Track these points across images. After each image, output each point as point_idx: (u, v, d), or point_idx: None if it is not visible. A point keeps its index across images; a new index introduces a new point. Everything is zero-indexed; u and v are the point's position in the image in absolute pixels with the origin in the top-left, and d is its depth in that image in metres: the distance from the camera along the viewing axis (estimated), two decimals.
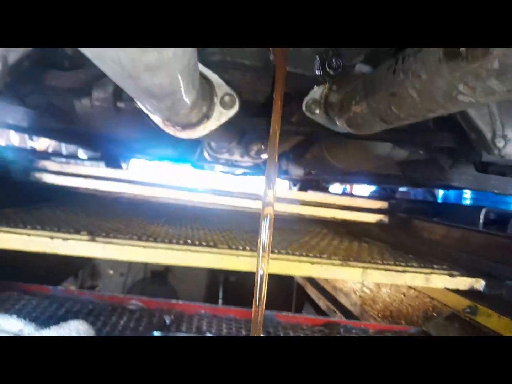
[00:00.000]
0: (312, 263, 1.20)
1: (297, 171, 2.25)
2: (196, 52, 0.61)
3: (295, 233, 1.89)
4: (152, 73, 0.50)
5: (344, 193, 3.17)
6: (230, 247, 1.21)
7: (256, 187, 1.87)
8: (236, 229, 1.67)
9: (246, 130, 1.36)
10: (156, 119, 0.98)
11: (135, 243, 1.11)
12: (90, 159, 3.01)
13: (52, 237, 1.04)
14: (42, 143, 3.23)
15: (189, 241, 1.24)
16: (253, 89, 0.95)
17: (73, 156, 2.82)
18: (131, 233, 1.21)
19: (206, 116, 0.99)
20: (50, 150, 3.92)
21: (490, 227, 1.69)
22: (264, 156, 1.92)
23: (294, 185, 3.49)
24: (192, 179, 1.92)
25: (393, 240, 1.86)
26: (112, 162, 3.15)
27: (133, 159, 3.28)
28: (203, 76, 0.95)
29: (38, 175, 1.72)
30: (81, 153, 3.17)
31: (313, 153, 1.89)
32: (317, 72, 0.87)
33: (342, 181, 3.09)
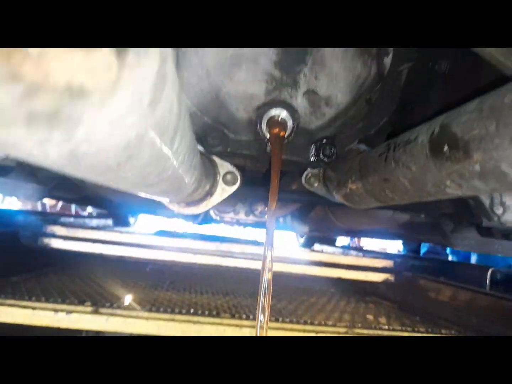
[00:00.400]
0: (317, 332, 1.19)
1: (302, 228, 2.27)
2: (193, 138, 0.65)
3: (303, 292, 1.88)
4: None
5: (350, 247, 3.16)
6: (233, 316, 1.22)
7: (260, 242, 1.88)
8: (240, 291, 1.67)
9: (248, 197, 1.40)
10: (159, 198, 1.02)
11: (138, 315, 1.12)
12: (99, 216, 3.06)
13: (56, 310, 1.05)
14: (52, 200, 3.31)
15: (191, 310, 1.25)
16: (253, 169, 0.99)
17: (81, 216, 2.87)
18: (134, 301, 1.22)
19: (209, 193, 1.03)
20: (59, 206, 4.00)
21: (497, 287, 1.68)
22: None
23: (301, 236, 3.50)
24: (197, 242, 1.95)
25: (400, 299, 1.84)
26: (121, 218, 3.20)
27: (141, 215, 3.33)
28: (205, 156, 1.00)
29: (46, 240, 1.76)
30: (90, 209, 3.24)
31: (317, 213, 1.92)
32: (312, 159, 0.91)
33: (347, 236, 3.09)
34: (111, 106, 0.22)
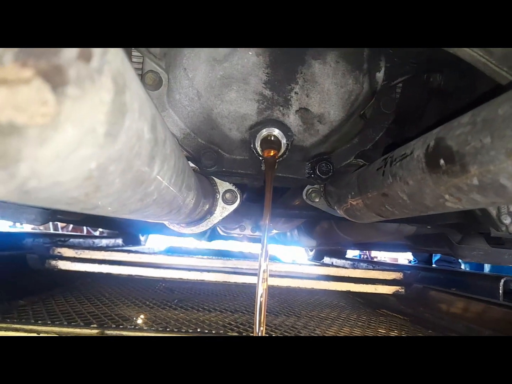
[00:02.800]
0: None
1: (309, 242, 2.24)
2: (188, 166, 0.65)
3: (313, 306, 1.85)
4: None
5: (360, 259, 3.12)
6: (240, 335, 1.19)
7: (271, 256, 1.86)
8: (249, 308, 1.65)
9: (252, 213, 1.39)
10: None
11: (144, 335, 1.10)
12: (109, 235, 3.07)
13: (60, 334, 1.04)
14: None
15: (198, 330, 1.23)
16: (253, 186, 0.98)
17: (91, 236, 2.88)
18: (141, 320, 1.21)
19: (209, 213, 1.02)
20: (71, 226, 4.03)
21: (511, 297, 1.63)
22: (275, 230, 1.93)
23: (311, 250, 3.47)
24: (204, 260, 1.94)
25: (411, 311, 1.80)
26: (131, 237, 3.21)
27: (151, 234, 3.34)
28: (204, 175, 0.99)
29: (53, 262, 1.76)
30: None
31: (323, 226, 1.90)
32: (308, 176, 0.90)
33: (354, 249, 3.06)
34: (55, 140, 0.21)
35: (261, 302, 0.74)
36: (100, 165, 0.27)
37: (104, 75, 0.22)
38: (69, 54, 0.19)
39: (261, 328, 0.72)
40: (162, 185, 0.47)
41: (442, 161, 0.57)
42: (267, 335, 1.20)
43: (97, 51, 0.21)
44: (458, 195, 0.58)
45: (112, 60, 0.23)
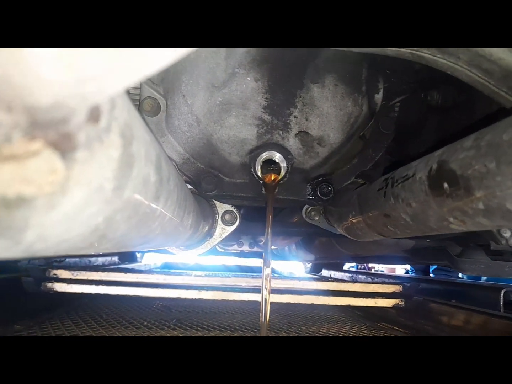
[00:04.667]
0: None
1: (308, 257, 2.23)
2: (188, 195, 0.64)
3: (313, 322, 1.83)
4: None
5: (358, 271, 3.11)
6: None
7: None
8: (248, 325, 1.62)
9: (250, 231, 1.38)
10: None
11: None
12: (105, 254, 3.04)
13: None
14: None
15: None
16: (250, 206, 0.98)
17: (88, 254, 2.85)
18: None
19: (209, 234, 1.01)
20: None
21: None
22: (273, 246, 1.91)
23: (308, 263, 3.45)
24: (202, 278, 1.92)
25: (412, 324, 1.79)
26: (127, 255, 3.18)
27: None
28: (203, 197, 0.98)
29: (49, 284, 1.73)
30: None
31: (322, 241, 1.89)
32: (309, 198, 0.90)
33: (353, 262, 3.05)
34: (62, 205, 0.20)
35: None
36: (107, 218, 0.26)
37: (112, 132, 0.22)
38: (78, 118, 0.18)
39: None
40: (165, 219, 0.46)
41: (446, 185, 0.57)
42: (273, 336, 1.19)
43: (105, 109, 0.21)
44: (462, 218, 0.58)
45: (119, 115, 0.22)
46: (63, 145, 0.18)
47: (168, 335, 1.41)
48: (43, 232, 0.20)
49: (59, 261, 2.28)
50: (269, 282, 0.79)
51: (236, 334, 1.47)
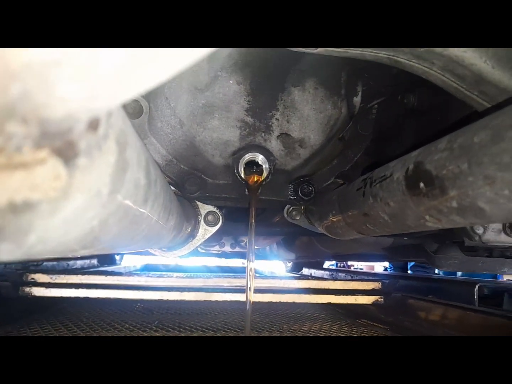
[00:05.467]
0: None
1: (288, 256, 2.25)
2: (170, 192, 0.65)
3: (294, 320, 1.85)
4: None
5: (337, 269, 3.15)
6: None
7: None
8: (230, 325, 1.63)
9: (232, 232, 1.39)
10: None
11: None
12: (83, 256, 3.00)
13: None
14: None
15: None
16: (232, 207, 0.99)
17: (66, 257, 2.81)
18: None
19: (192, 235, 1.02)
20: None
21: (486, 302, 1.68)
22: (256, 247, 1.92)
23: (289, 262, 3.47)
24: (184, 280, 1.92)
25: (391, 320, 1.83)
26: (106, 257, 3.14)
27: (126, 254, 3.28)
28: (185, 199, 0.99)
29: (27, 289, 1.70)
30: None
31: (302, 240, 1.92)
32: (291, 198, 0.91)
33: (333, 260, 3.10)
34: (64, 210, 0.21)
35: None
36: (102, 221, 0.27)
37: (109, 139, 0.23)
38: (80, 127, 0.19)
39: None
40: (152, 221, 0.47)
41: (422, 184, 0.59)
42: (257, 335, 1.20)
43: (103, 117, 0.22)
44: (438, 216, 0.60)
45: (115, 122, 0.24)
46: (66, 153, 0.19)
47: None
48: (44, 235, 0.21)
49: (36, 265, 2.24)
50: (253, 279, 0.80)
51: (219, 334, 1.48)
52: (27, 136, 0.15)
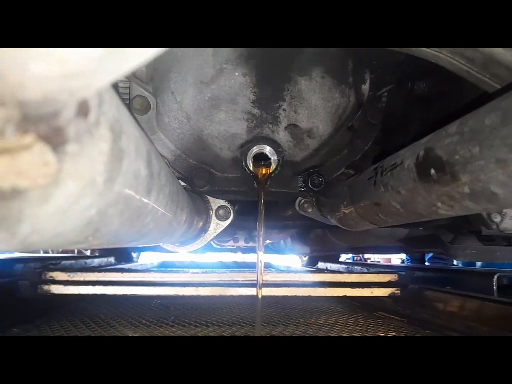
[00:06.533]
0: None
1: (303, 249, 2.24)
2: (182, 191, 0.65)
3: (310, 314, 1.85)
4: None
5: (354, 262, 3.13)
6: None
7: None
8: (246, 319, 1.63)
9: (245, 226, 1.39)
10: None
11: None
12: (101, 254, 3.04)
13: None
14: None
15: None
16: (244, 201, 0.99)
17: (84, 256, 2.86)
18: None
19: (203, 230, 1.02)
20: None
21: (505, 292, 1.64)
22: (268, 241, 1.93)
23: (305, 256, 3.46)
24: (199, 275, 1.93)
25: (408, 312, 1.81)
26: (123, 255, 3.18)
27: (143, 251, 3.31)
28: (196, 193, 0.99)
29: (46, 287, 1.73)
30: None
31: (317, 233, 1.91)
32: (300, 190, 0.91)
33: (348, 253, 3.07)
34: (55, 198, 0.21)
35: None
36: (100, 211, 0.27)
37: (101, 126, 0.22)
38: (68, 113, 0.19)
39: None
40: (158, 214, 0.46)
41: (432, 171, 0.58)
42: (268, 335, 1.20)
43: (94, 104, 0.21)
44: (450, 202, 0.59)
45: (108, 110, 0.23)
46: (54, 139, 0.19)
47: (167, 332, 1.42)
48: (38, 225, 0.21)
49: (55, 264, 2.28)
50: (262, 271, 0.80)
51: (234, 329, 1.49)
52: (7, 119, 0.15)
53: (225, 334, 1.38)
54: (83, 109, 0.20)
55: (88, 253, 3.30)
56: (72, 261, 2.55)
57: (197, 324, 1.61)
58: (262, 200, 0.74)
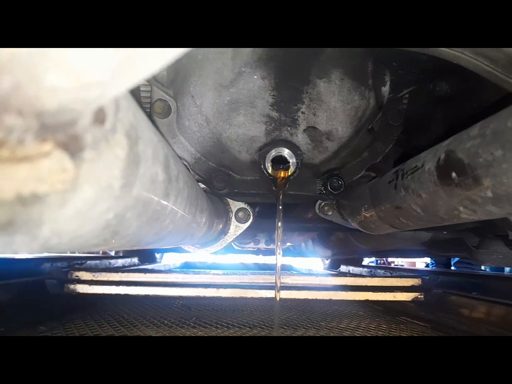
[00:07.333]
0: None
1: (324, 252, 2.23)
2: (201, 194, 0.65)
3: (332, 318, 1.84)
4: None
5: (377, 266, 3.09)
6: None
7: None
8: (266, 322, 1.64)
9: (265, 228, 1.39)
10: None
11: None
12: (125, 255, 3.10)
13: None
14: None
15: None
16: (265, 203, 0.99)
17: (108, 256, 2.92)
18: None
19: (223, 232, 1.03)
20: None
21: None
22: (289, 243, 1.92)
23: (327, 259, 3.44)
24: (220, 277, 1.94)
25: (432, 318, 1.78)
26: (147, 256, 3.23)
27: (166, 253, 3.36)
28: (216, 196, 1.00)
29: (72, 286, 1.78)
30: None
31: (338, 236, 1.89)
32: (319, 193, 0.90)
33: (371, 257, 3.04)
34: (73, 202, 0.21)
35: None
36: (118, 214, 0.28)
37: (118, 133, 0.23)
38: (84, 121, 0.20)
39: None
40: (177, 216, 0.47)
41: (454, 174, 0.57)
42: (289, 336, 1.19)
43: (110, 111, 0.22)
44: (472, 207, 0.58)
45: (124, 116, 0.24)
46: (72, 146, 0.19)
47: (188, 333, 1.44)
48: (57, 228, 0.22)
49: (80, 264, 2.33)
50: (279, 273, 0.80)
51: (255, 331, 1.49)
52: (27, 128, 0.16)
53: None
54: (99, 117, 0.21)
55: (112, 253, 3.36)
56: (97, 261, 2.61)
57: (218, 326, 1.62)
58: (280, 203, 0.74)
